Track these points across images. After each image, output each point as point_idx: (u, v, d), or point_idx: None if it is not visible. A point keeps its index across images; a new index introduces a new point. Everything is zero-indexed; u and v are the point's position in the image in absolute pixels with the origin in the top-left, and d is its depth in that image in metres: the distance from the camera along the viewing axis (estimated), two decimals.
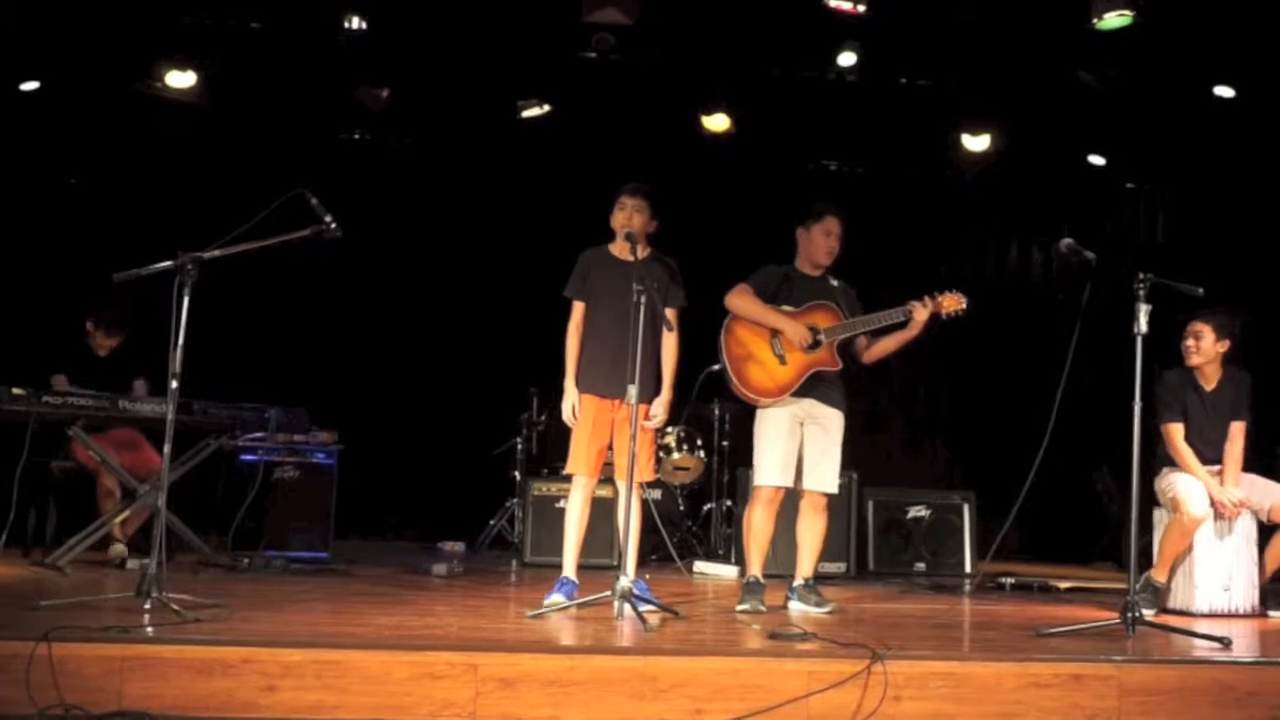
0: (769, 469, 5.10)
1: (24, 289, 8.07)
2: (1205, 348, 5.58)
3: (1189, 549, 5.55)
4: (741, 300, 5.14)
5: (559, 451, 6.71)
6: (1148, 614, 4.83)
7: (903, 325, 5.12)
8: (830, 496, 5.21)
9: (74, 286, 6.80)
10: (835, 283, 5.30)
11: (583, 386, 5.01)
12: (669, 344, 5.05)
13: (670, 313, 4.96)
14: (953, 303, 5.12)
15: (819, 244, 5.23)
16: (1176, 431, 5.59)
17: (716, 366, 5.28)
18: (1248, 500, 5.54)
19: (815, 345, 5.09)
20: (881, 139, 8.98)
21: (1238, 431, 5.59)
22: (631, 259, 4.81)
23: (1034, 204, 9.66)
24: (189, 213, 7.77)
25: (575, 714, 3.49)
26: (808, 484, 5.15)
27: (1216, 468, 5.59)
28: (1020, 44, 7.52)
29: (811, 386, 5.11)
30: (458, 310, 8.99)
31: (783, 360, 5.10)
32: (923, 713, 3.62)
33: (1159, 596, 5.55)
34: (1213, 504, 5.50)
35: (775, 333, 5.12)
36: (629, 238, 4.88)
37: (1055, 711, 3.67)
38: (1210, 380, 5.64)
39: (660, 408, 5.02)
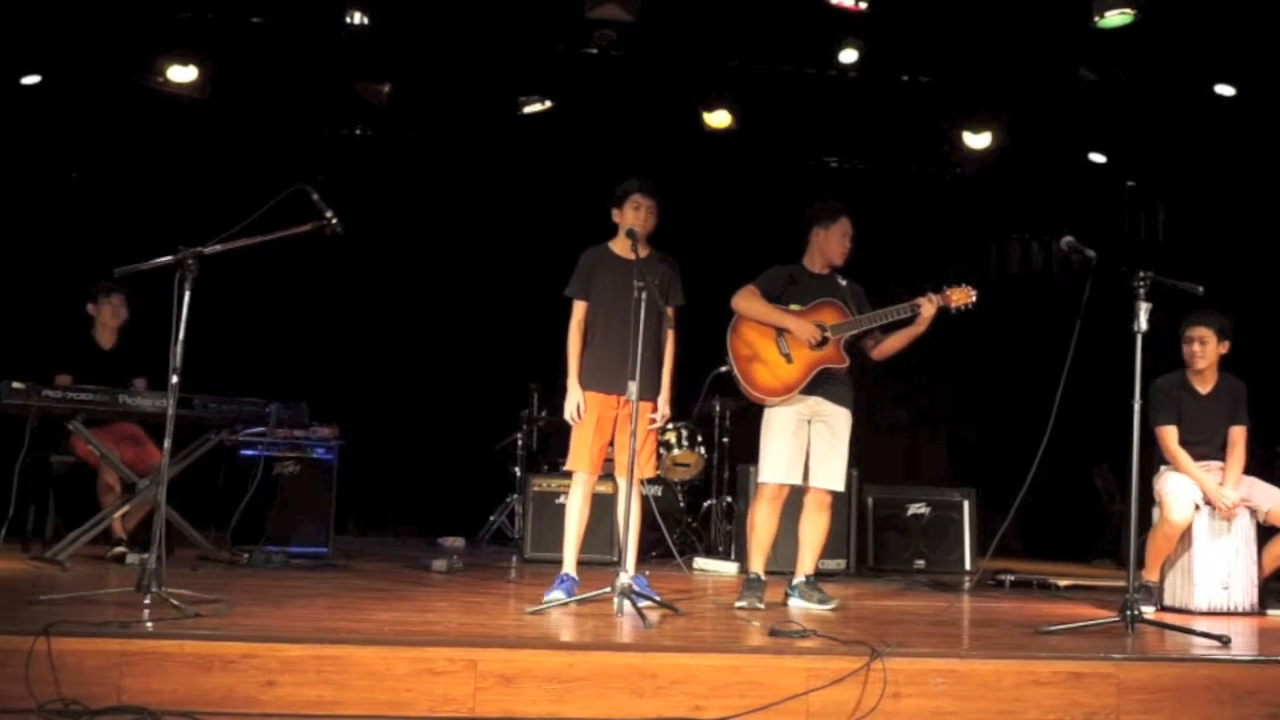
0: (773, 466, 5.11)
1: (25, 284, 8.07)
2: (1209, 352, 5.60)
3: (1183, 550, 5.56)
4: (748, 301, 5.14)
5: (559, 447, 6.71)
6: (1146, 612, 4.84)
7: (910, 321, 5.11)
8: (835, 494, 5.21)
9: (75, 282, 6.79)
10: (843, 281, 5.29)
11: (587, 384, 5.02)
12: (668, 342, 5.06)
13: (669, 311, 4.97)
14: (962, 296, 5.09)
15: (837, 244, 5.22)
16: (1170, 434, 5.61)
17: (724, 368, 5.27)
18: (1248, 499, 5.56)
19: (823, 343, 5.09)
20: (883, 136, 8.98)
21: (1239, 436, 5.61)
22: (633, 257, 4.81)
23: (1034, 201, 9.66)
24: (190, 207, 7.78)
25: (575, 710, 3.49)
26: (814, 481, 5.15)
27: (1208, 464, 5.61)
28: (1022, 41, 7.51)
29: (819, 384, 5.10)
30: (458, 306, 8.99)
31: (789, 359, 5.09)
32: (922, 710, 3.62)
33: (1153, 595, 5.57)
34: (1208, 502, 5.52)
35: (781, 332, 5.11)
36: (630, 235, 4.88)
37: (1054, 709, 3.67)
38: (1206, 383, 5.67)
39: (665, 405, 5.03)
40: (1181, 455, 5.57)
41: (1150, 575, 5.59)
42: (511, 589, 5.70)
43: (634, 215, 5.00)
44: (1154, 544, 5.54)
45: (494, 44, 7.86)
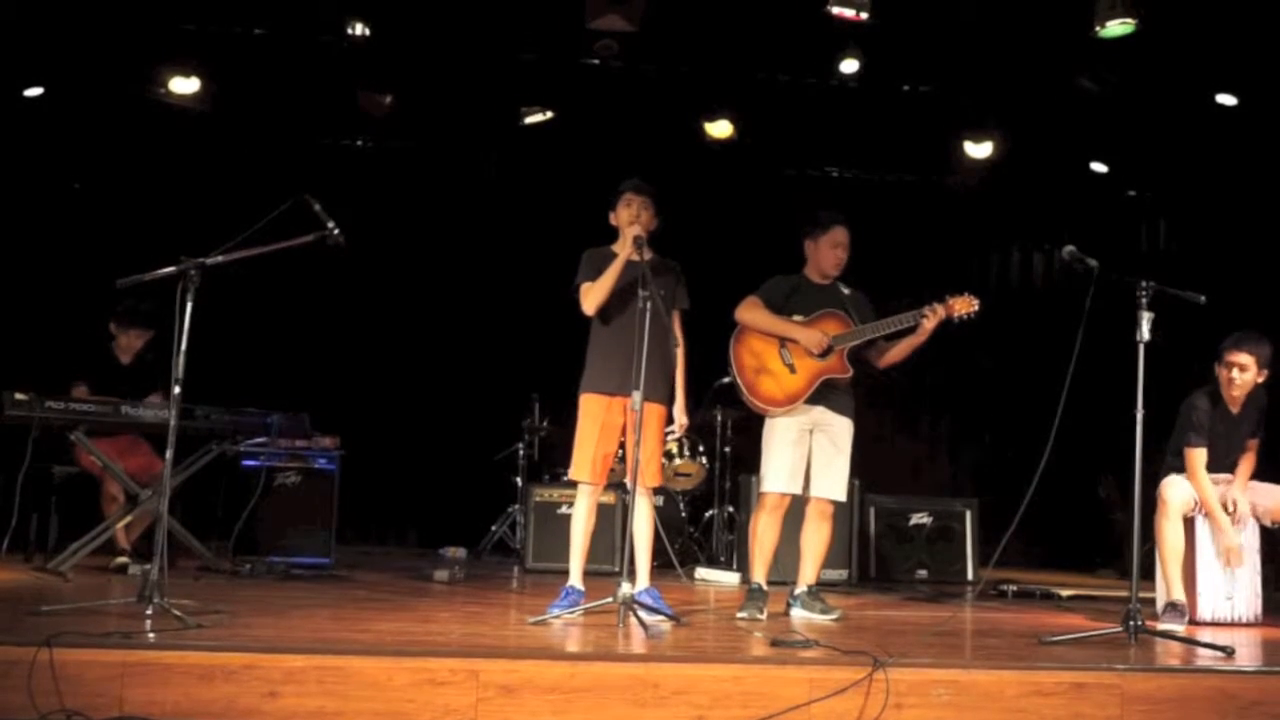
0: (775, 475, 5.11)
1: (26, 295, 8.08)
2: (1248, 380, 5.45)
3: (1186, 560, 5.51)
4: (751, 312, 5.15)
5: (561, 457, 6.71)
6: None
7: (913, 330, 5.11)
8: (837, 504, 5.21)
9: (81, 293, 6.80)
10: (846, 290, 5.30)
11: (591, 387, 5.00)
12: (680, 349, 5.07)
13: (675, 314, 4.98)
14: (964, 305, 5.09)
15: (827, 255, 5.23)
16: (1200, 456, 5.50)
17: (727, 379, 5.28)
18: (1253, 506, 5.56)
19: (826, 353, 5.09)
20: (884, 145, 8.99)
21: (1253, 445, 5.60)
22: (638, 259, 4.81)
23: (1036, 211, 9.66)
24: (192, 218, 7.78)
25: None
26: (815, 491, 5.15)
27: (1214, 476, 5.59)
28: (1023, 51, 7.52)
29: (822, 395, 5.11)
30: (460, 316, 8.99)
31: (792, 369, 5.10)
32: None
33: (1181, 613, 5.33)
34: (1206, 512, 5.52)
35: (784, 342, 5.11)
36: (637, 241, 4.85)
37: None
38: (1237, 403, 5.57)
39: (682, 414, 5.07)
40: (1205, 483, 5.49)
41: (1174, 592, 5.40)
42: (513, 599, 5.69)
43: (627, 213, 4.98)
44: (1161, 551, 5.46)
45: (495, 54, 7.87)
